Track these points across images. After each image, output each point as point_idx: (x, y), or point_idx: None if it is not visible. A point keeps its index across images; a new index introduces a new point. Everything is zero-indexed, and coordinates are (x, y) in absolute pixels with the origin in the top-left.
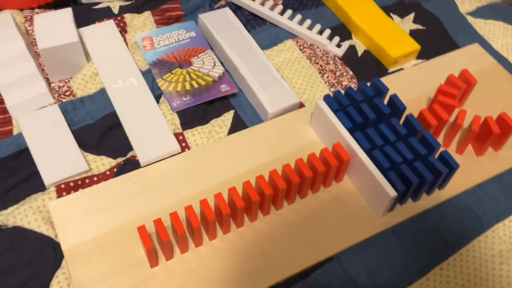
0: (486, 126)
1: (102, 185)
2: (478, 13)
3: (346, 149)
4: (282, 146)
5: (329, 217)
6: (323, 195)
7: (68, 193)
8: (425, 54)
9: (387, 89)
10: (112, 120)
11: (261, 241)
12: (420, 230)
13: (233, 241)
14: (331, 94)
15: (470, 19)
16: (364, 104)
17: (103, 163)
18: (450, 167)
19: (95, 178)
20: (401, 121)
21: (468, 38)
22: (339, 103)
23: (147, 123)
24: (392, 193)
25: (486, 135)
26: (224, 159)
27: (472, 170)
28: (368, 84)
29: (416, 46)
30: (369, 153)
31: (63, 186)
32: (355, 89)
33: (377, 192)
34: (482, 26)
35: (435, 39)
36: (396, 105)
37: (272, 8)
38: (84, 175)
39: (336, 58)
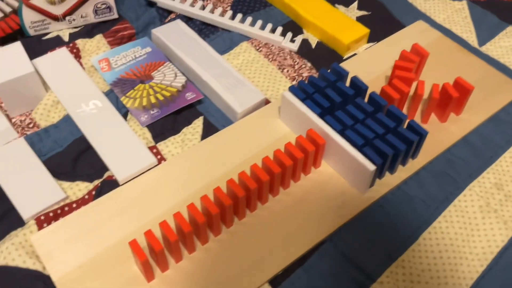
0: (445, 92)
1: (82, 209)
2: None
3: (319, 134)
4: (256, 142)
5: (315, 202)
6: (304, 182)
7: (49, 223)
8: (375, 37)
9: (347, 73)
10: (82, 145)
11: (253, 236)
12: (403, 200)
13: (226, 241)
14: (294, 85)
15: None
16: (328, 89)
17: (80, 188)
18: (420, 134)
19: (74, 205)
20: (366, 100)
21: (412, 16)
22: (305, 92)
23: (119, 141)
24: (371, 167)
25: (446, 101)
26: (202, 164)
27: (439, 136)
28: (328, 70)
29: (365, 30)
30: (342, 133)
31: (42, 217)
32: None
33: (356, 169)
34: (422, 3)
35: (382, 22)
36: (358, 86)
37: (222, 15)
38: (62, 203)
39: (292, 53)
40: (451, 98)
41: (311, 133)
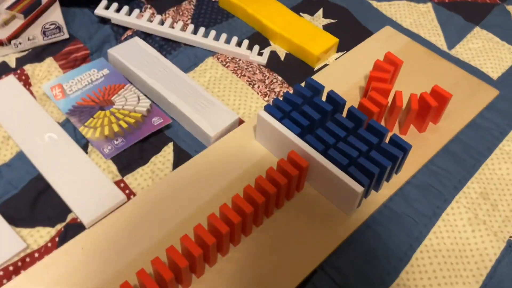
0: (423, 102)
1: (46, 260)
2: None
3: (301, 155)
4: (233, 168)
5: (301, 229)
6: (288, 208)
7: (9, 279)
8: (344, 45)
9: (323, 87)
10: (39, 184)
11: (240, 273)
12: (391, 218)
13: (211, 281)
14: (266, 104)
15: (375, 4)
16: (306, 106)
17: (41, 234)
18: (403, 149)
19: (36, 254)
20: (344, 115)
21: (378, 22)
22: (281, 111)
23: (81, 178)
24: (359, 188)
25: (425, 111)
26: (177, 196)
27: (420, 147)
28: (302, 84)
29: (334, 40)
30: (324, 153)
31: (1, 272)
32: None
33: (343, 191)
34: (387, 8)
35: (349, 29)
36: (335, 101)
37: (183, 29)
38: (22, 254)
39: (261, 66)
40: (430, 107)
41: (293, 155)
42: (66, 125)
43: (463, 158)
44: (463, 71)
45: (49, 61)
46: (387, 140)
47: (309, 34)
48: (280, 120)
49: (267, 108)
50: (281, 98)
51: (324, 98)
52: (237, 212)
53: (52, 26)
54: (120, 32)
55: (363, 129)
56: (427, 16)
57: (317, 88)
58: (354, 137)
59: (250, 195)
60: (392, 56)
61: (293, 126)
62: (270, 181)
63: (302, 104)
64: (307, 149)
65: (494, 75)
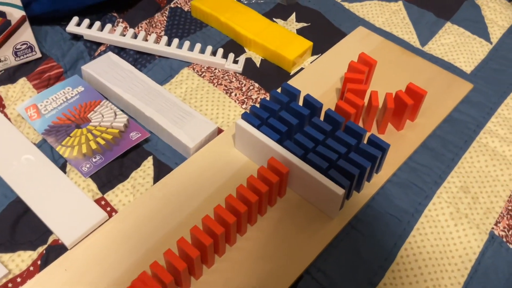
0: (399, 101)
1: (29, 284)
2: None
3: (281, 161)
4: (214, 178)
5: (286, 234)
6: (271, 215)
7: None
8: (318, 48)
9: (299, 92)
10: (18, 208)
11: (226, 284)
12: (374, 217)
13: None
14: (246, 111)
15: (346, 5)
16: (283, 112)
17: (23, 259)
18: (382, 148)
19: (19, 279)
20: (321, 118)
21: (351, 23)
22: (259, 118)
23: (60, 199)
24: (340, 191)
25: (402, 109)
26: (159, 211)
27: (399, 145)
28: (279, 90)
29: (308, 43)
30: (304, 158)
31: None
32: (268, 99)
33: (324, 195)
34: (359, 9)
35: (322, 32)
36: (312, 104)
37: (157, 41)
38: (4, 280)
39: (237, 74)
40: (406, 105)
41: (273, 162)
42: (42, 145)
43: (441, 153)
44: (437, 67)
45: (22, 82)
46: (365, 141)
47: (283, 39)
48: (258, 127)
49: (245, 116)
50: (258, 105)
51: (301, 102)
52: (219, 223)
53: (24, 46)
54: (93, 48)
55: (341, 131)
56: (399, 14)
57: (293, 93)
58: (332, 140)
59: (232, 205)
60: (366, 57)
61: (271, 132)
62: (251, 189)
63: (279, 110)
64: (286, 155)
65: (468, 69)
